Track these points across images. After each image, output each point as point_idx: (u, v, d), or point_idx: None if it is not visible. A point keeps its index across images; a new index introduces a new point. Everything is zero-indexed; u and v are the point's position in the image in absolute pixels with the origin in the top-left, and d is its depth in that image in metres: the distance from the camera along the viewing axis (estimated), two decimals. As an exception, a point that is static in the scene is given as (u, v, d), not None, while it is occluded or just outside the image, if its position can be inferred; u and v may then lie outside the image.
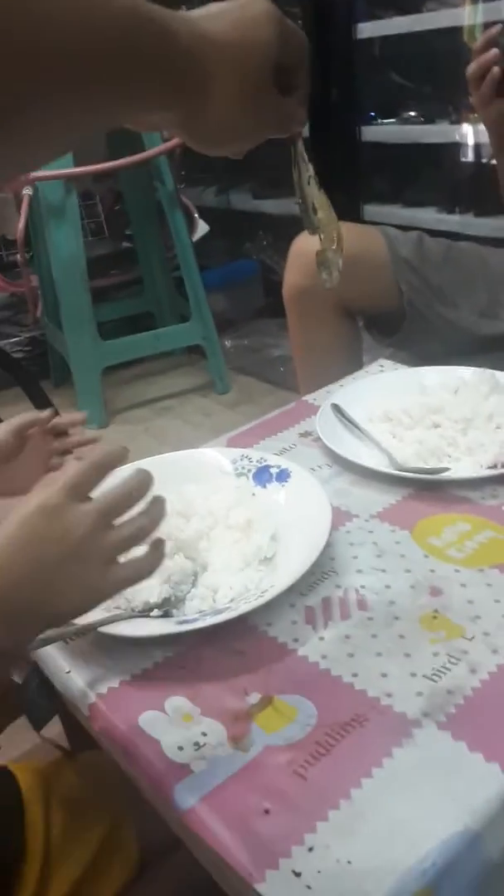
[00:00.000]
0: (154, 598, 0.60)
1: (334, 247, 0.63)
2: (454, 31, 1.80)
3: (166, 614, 0.60)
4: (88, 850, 0.60)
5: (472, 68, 1.02)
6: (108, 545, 0.46)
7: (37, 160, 0.37)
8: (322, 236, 0.63)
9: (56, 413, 0.75)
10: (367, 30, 2.03)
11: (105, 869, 0.61)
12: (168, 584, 0.62)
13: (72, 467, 0.47)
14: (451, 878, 0.41)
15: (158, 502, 0.50)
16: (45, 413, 0.74)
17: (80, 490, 0.46)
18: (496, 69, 1.00)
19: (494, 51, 1.00)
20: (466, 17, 1.81)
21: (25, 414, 0.73)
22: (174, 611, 0.60)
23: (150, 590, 0.60)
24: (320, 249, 0.63)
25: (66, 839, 0.61)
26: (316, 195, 0.61)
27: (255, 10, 0.45)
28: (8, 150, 0.33)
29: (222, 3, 0.46)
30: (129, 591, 0.60)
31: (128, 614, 0.59)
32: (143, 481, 0.49)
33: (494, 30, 1.02)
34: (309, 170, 0.61)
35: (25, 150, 0.35)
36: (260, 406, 2.27)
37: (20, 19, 0.30)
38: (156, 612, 0.60)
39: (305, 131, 2.31)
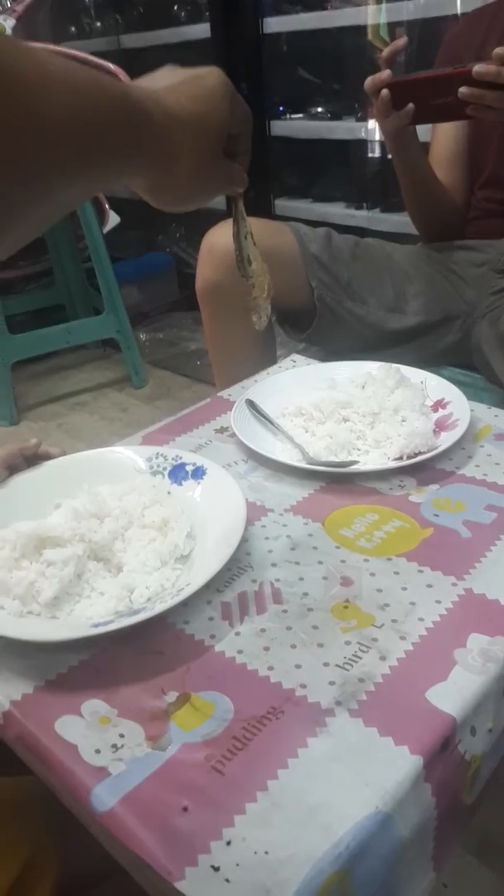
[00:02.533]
0: (50, 594, 0.60)
1: (265, 295, 0.72)
2: (359, 29, 1.84)
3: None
4: (6, 879, 0.59)
5: (367, 84, 1.06)
6: None
7: (25, 232, 0.39)
8: (254, 285, 0.70)
9: (40, 443, 0.78)
10: (274, 25, 2.04)
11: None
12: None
13: None
14: (364, 859, 0.42)
15: None
16: (33, 442, 0.78)
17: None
18: (385, 91, 1.04)
19: (387, 72, 1.04)
20: (370, 16, 1.85)
21: (12, 445, 0.76)
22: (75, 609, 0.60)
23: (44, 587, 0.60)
24: (252, 297, 0.72)
25: None
26: (251, 249, 0.68)
27: (211, 84, 0.52)
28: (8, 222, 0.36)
29: (179, 72, 0.53)
30: (23, 589, 0.60)
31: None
32: None
33: (391, 49, 1.06)
34: (246, 226, 0.67)
35: (22, 223, 0.38)
36: (177, 400, 2.27)
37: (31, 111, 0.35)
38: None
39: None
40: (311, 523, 0.69)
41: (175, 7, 2.36)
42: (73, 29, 2.74)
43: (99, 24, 2.68)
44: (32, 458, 0.77)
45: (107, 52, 2.44)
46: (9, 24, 1.95)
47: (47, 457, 0.77)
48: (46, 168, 0.36)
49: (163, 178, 0.49)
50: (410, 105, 1.05)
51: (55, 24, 2.66)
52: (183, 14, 2.34)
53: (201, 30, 2.18)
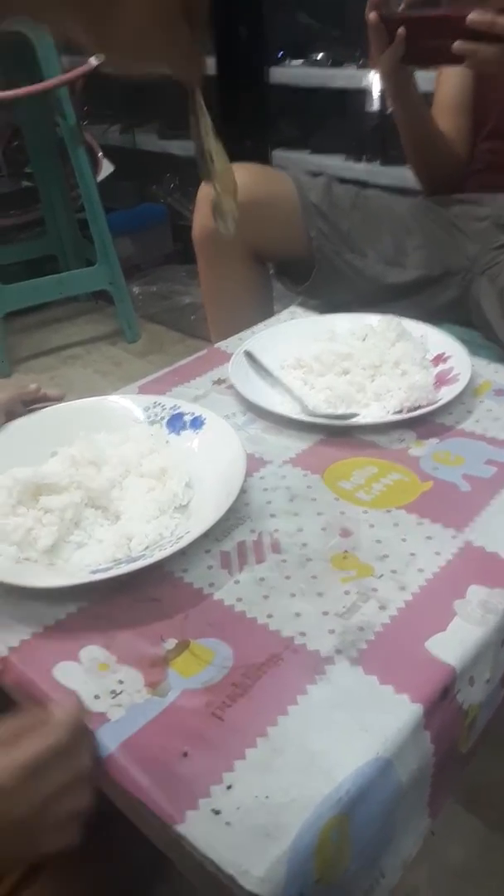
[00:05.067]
0: (48, 542, 0.59)
1: (231, 196, 0.65)
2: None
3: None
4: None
5: (367, 10, 1.01)
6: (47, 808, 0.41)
7: None
8: (218, 186, 0.64)
9: (39, 388, 0.76)
10: (276, -36, 1.96)
11: None
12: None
13: (31, 744, 0.41)
14: (364, 803, 0.43)
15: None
16: (32, 387, 0.75)
17: (37, 770, 0.41)
18: (373, 15, 0.99)
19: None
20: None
21: (11, 389, 0.74)
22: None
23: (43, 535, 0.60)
24: (215, 199, 0.65)
25: None
26: (213, 145, 0.62)
27: None
28: None
29: None
30: (20, 536, 0.59)
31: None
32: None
33: None
34: (207, 120, 0.61)
35: None
36: (170, 355, 2.24)
37: None
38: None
39: (210, 68, 2.24)
40: (310, 475, 0.69)
41: None
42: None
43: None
44: (31, 403, 0.75)
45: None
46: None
47: (45, 400, 0.76)
48: None
49: (104, 17, 0.43)
50: (401, 33, 1.00)
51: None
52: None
53: (199, -32, 2.10)
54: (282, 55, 2.12)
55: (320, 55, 2.04)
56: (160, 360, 2.20)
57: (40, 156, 2.42)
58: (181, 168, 2.66)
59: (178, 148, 2.48)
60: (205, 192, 1.16)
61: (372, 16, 0.99)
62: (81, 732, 0.44)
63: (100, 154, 2.24)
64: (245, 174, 1.17)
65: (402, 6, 1.01)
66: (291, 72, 2.10)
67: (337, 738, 0.45)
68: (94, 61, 1.92)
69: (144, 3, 0.43)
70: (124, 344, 2.34)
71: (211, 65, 2.19)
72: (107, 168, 2.27)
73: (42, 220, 2.53)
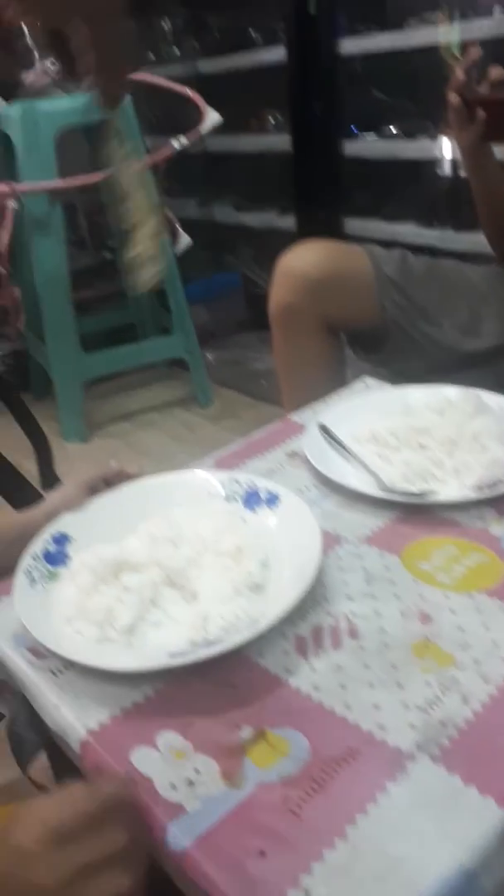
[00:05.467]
0: (127, 621, 0.60)
1: (150, 242, 0.54)
2: (434, 49, 1.82)
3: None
4: None
5: (449, 92, 1.04)
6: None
7: None
8: (134, 227, 0.53)
9: (120, 467, 0.79)
10: (349, 46, 2.04)
11: None
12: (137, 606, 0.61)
13: (61, 809, 0.42)
14: (448, 917, 0.41)
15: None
16: (113, 466, 0.79)
17: (64, 836, 0.41)
18: (456, 98, 1.02)
19: (464, 77, 1.02)
20: (445, 34, 1.83)
21: (94, 470, 0.77)
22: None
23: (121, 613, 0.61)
24: (133, 252, 0.53)
25: None
26: (130, 179, 0.52)
27: None
28: None
29: None
30: (101, 615, 0.60)
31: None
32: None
33: (467, 60, 1.04)
34: (122, 147, 0.51)
35: None
36: (242, 420, 2.27)
37: None
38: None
39: (286, 144, 2.31)
40: (388, 555, 0.68)
41: (251, 32, 2.39)
42: (151, 56, 2.81)
43: (177, 50, 2.74)
44: (112, 480, 0.78)
45: (184, 77, 2.49)
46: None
47: (126, 478, 0.79)
48: None
49: None
50: (482, 117, 1.03)
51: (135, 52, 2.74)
52: (259, 38, 2.37)
53: (277, 53, 2.21)
54: (355, 129, 2.19)
55: (393, 128, 2.10)
56: (233, 426, 2.23)
57: (122, 230, 2.55)
58: (255, 239, 2.74)
59: (253, 220, 2.57)
60: (283, 267, 1.19)
61: (453, 97, 1.02)
62: (117, 807, 0.43)
63: (178, 228, 2.35)
64: (320, 250, 1.20)
65: (481, 87, 1.04)
66: (364, 145, 2.16)
67: (418, 844, 0.43)
68: (176, 145, 2.03)
69: None
70: (198, 409, 2.39)
71: (286, 140, 2.28)
72: (184, 241, 2.37)
73: (123, 291, 2.65)
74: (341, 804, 0.45)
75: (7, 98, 1.80)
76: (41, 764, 0.66)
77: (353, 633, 0.59)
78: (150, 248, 0.54)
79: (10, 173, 2.12)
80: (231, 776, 0.48)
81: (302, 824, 0.45)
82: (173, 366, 2.58)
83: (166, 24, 2.81)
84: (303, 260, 1.18)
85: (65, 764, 0.58)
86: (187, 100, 2.19)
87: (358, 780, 0.47)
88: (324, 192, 2.25)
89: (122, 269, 2.60)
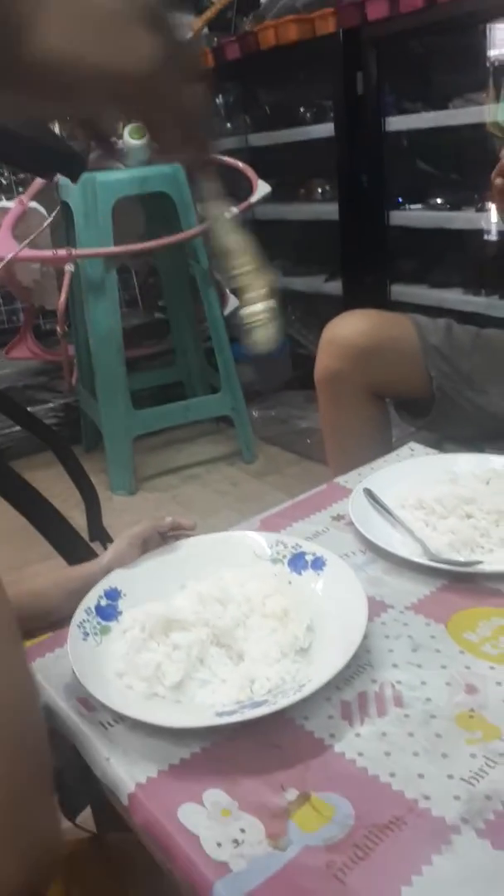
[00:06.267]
0: (175, 678, 0.62)
1: (260, 300, 0.55)
2: (479, 125, 1.89)
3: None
4: None
5: (494, 174, 1.08)
6: None
7: None
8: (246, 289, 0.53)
9: (175, 521, 0.82)
10: (396, 123, 2.13)
11: None
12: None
13: None
14: None
15: None
16: (167, 521, 0.81)
17: None
18: (500, 181, 1.06)
19: None
20: (491, 112, 1.90)
21: (148, 524, 0.80)
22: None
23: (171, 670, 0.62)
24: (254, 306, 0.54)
25: None
26: (232, 238, 0.52)
27: None
28: None
29: None
30: (150, 671, 0.62)
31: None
32: None
33: None
34: (222, 212, 0.51)
35: None
36: (286, 476, 2.30)
37: None
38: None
39: (333, 213, 2.38)
40: (434, 624, 0.68)
41: (301, 109, 2.50)
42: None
43: (229, 124, 2.88)
44: (166, 532, 0.81)
45: (235, 149, 2.62)
46: (150, 129, 2.14)
47: (180, 528, 0.82)
48: None
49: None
50: None
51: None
52: (308, 115, 2.49)
53: (325, 129, 2.31)
54: (401, 201, 2.26)
55: (439, 199, 2.16)
56: (276, 481, 2.26)
57: (173, 292, 2.65)
58: (302, 302, 2.81)
59: (300, 284, 2.64)
60: (329, 335, 1.23)
61: (499, 181, 1.06)
62: None
63: (227, 290, 2.43)
64: (366, 318, 1.24)
65: None
66: (410, 215, 2.22)
67: (464, 920, 0.43)
68: (227, 215, 2.12)
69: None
70: (242, 465, 2.42)
71: (334, 209, 2.36)
72: (233, 303, 2.45)
73: (172, 350, 2.73)
74: (386, 874, 0.46)
75: (74, 179, 1.92)
76: (86, 815, 0.67)
77: (399, 702, 0.59)
78: (263, 310, 0.56)
79: (69, 238, 2.24)
80: (276, 838, 0.49)
81: (346, 891, 0.45)
82: (220, 422, 2.63)
83: (219, 101, 2.96)
84: (349, 328, 1.22)
85: (107, 812, 0.59)
86: (238, 171, 2.29)
87: (402, 850, 0.47)
88: (370, 259, 2.31)
89: (173, 329, 2.69)
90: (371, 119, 2.14)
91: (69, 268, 2.10)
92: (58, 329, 2.27)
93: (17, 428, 1.84)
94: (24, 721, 0.39)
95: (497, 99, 1.93)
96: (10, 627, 0.40)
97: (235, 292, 0.55)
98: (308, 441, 2.44)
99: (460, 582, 0.74)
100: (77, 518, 1.20)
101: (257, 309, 0.56)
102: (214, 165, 0.51)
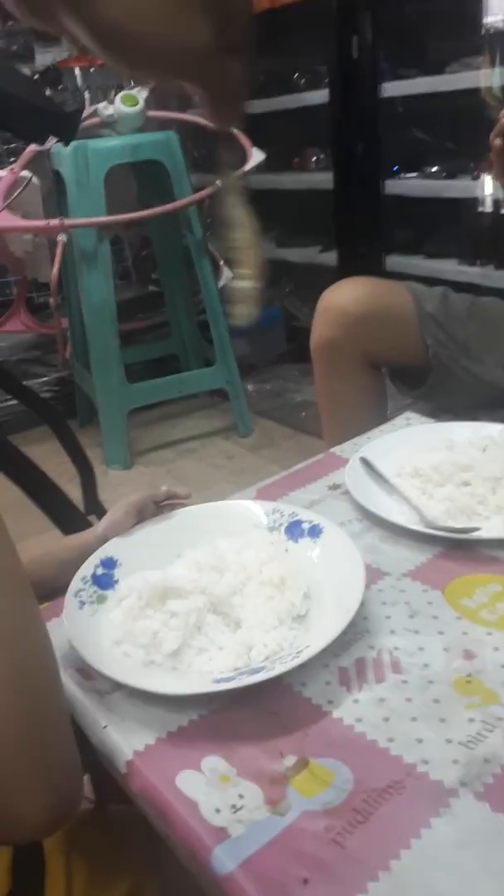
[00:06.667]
0: (173, 646, 0.61)
1: (250, 275, 0.56)
2: (475, 91, 1.86)
3: None
4: None
5: (492, 137, 1.06)
6: None
7: None
8: (238, 259, 0.55)
9: (170, 490, 0.81)
10: (392, 89, 2.09)
11: None
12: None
13: None
14: None
15: None
16: (163, 490, 0.80)
17: None
18: (499, 142, 1.03)
19: None
20: (487, 79, 1.86)
21: (144, 493, 0.79)
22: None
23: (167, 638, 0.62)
24: (234, 280, 0.56)
25: (88, 893, 0.61)
26: (239, 212, 0.54)
27: None
28: None
29: None
30: (147, 639, 0.62)
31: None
32: None
33: None
34: (234, 180, 0.53)
35: None
36: (281, 450, 2.29)
37: None
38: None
39: (328, 182, 2.36)
40: (431, 591, 0.68)
41: (295, 75, 2.46)
42: (197, 98, 2.90)
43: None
44: (161, 502, 0.80)
45: (228, 117, 2.57)
46: (142, 95, 2.10)
47: (175, 497, 0.81)
48: None
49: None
50: None
51: (183, 94, 2.83)
52: (303, 81, 2.44)
53: (320, 95, 2.26)
54: (396, 169, 2.23)
55: (435, 168, 2.13)
56: (271, 455, 2.25)
57: (167, 264, 2.62)
58: (296, 274, 2.79)
59: (295, 255, 2.61)
60: (325, 304, 1.22)
61: (497, 142, 1.03)
62: None
63: (221, 263, 2.40)
64: (362, 286, 1.23)
65: None
66: (406, 184, 2.19)
67: (463, 881, 0.43)
68: (219, 183, 2.08)
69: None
70: (237, 438, 2.41)
71: (328, 178, 2.32)
72: (226, 275, 2.42)
73: (166, 323, 2.70)
74: (385, 837, 0.46)
75: (66, 140, 1.88)
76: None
77: (396, 668, 0.59)
78: (251, 285, 0.57)
79: (61, 208, 2.20)
80: (275, 803, 0.49)
81: (346, 854, 0.45)
82: (214, 396, 2.61)
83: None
84: (345, 296, 1.20)
85: (106, 783, 0.59)
86: (232, 139, 2.25)
87: (401, 814, 0.47)
88: (365, 229, 2.28)
89: (167, 302, 2.66)
90: (366, 85, 2.10)
91: (62, 238, 2.07)
92: (51, 301, 2.24)
93: (13, 402, 1.82)
94: (42, 660, 0.41)
95: (492, 65, 1.89)
96: (18, 573, 0.42)
97: (230, 264, 0.54)
98: (303, 414, 2.43)
99: (457, 549, 0.74)
100: (72, 492, 1.19)
101: (248, 285, 0.57)
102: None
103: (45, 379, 2.64)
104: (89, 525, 0.95)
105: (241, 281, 0.57)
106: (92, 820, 0.72)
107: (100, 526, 0.76)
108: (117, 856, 0.66)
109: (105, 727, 0.56)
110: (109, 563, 0.72)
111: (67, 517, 0.97)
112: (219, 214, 0.54)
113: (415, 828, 0.46)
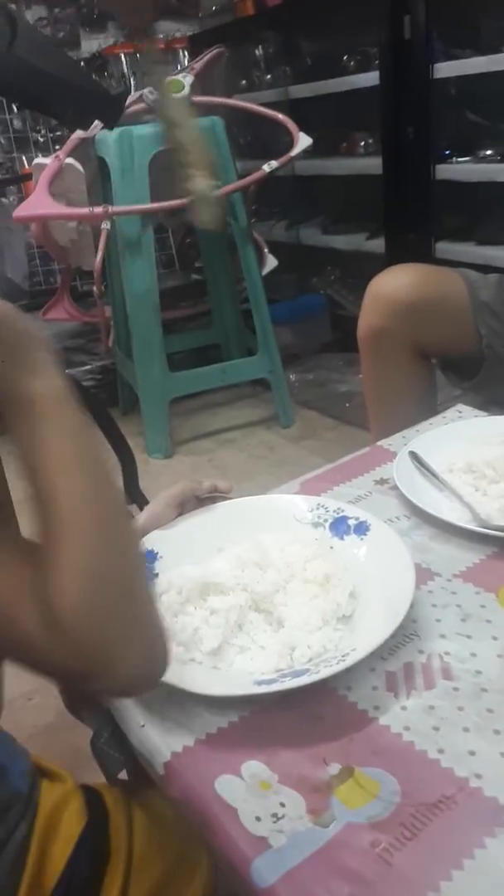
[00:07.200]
0: (213, 644, 0.59)
1: (204, 172, 0.56)
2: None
3: None
4: (169, 857, 0.58)
5: None
6: None
7: None
8: (186, 161, 0.53)
9: (212, 485, 0.79)
10: (444, 70, 2.02)
11: (183, 880, 0.58)
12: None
13: None
14: None
15: None
16: (206, 486, 0.79)
17: None
18: None
19: None
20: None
21: (185, 485, 0.78)
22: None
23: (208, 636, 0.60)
24: (192, 184, 0.55)
25: (148, 844, 0.59)
26: (174, 109, 0.52)
27: None
28: None
29: None
30: (187, 635, 0.60)
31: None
32: None
33: None
34: (163, 76, 0.50)
35: None
36: (323, 441, 2.25)
37: None
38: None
39: (376, 168, 2.29)
40: (484, 593, 0.65)
41: (345, 58, 2.40)
42: (244, 82, 2.86)
43: (269, 76, 2.78)
44: (203, 495, 0.78)
45: (275, 102, 2.52)
46: (188, 80, 2.07)
47: (217, 492, 0.79)
48: None
49: None
50: None
51: (228, 79, 2.80)
52: (352, 64, 2.38)
53: (370, 78, 2.20)
54: (448, 153, 2.16)
55: (489, 151, 2.06)
56: (313, 446, 2.22)
57: (211, 252, 2.59)
58: (342, 261, 2.74)
59: (341, 242, 2.56)
60: (374, 291, 1.18)
61: None
62: None
63: (265, 250, 2.37)
64: (413, 273, 1.18)
65: None
66: (458, 168, 2.12)
67: (520, 907, 0.40)
68: (266, 169, 2.05)
69: None
70: (279, 429, 2.39)
71: (377, 163, 2.27)
72: (271, 263, 2.39)
73: (209, 312, 2.68)
74: (436, 856, 0.43)
75: (111, 124, 1.87)
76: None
77: (447, 674, 0.56)
78: (206, 187, 0.56)
79: (105, 196, 2.19)
80: (318, 813, 0.47)
81: (393, 873, 0.43)
82: (256, 386, 2.59)
83: (258, 51, 2.87)
84: (395, 283, 1.16)
85: (144, 781, 0.58)
86: (278, 124, 2.21)
87: (453, 832, 0.45)
88: (414, 215, 2.22)
89: (210, 290, 2.65)
90: (418, 66, 2.04)
91: (105, 226, 2.06)
92: (94, 290, 2.24)
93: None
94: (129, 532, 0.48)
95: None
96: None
97: (187, 177, 0.54)
98: (347, 405, 2.38)
99: (512, 550, 0.70)
100: (114, 481, 1.18)
101: (205, 185, 0.55)
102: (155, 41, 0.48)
103: (87, 367, 2.64)
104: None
105: (197, 183, 0.57)
106: (145, 787, 0.70)
107: (140, 518, 0.75)
108: (172, 815, 0.63)
109: (143, 726, 0.55)
110: (149, 556, 0.71)
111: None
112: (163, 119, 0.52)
113: (468, 847, 0.43)
